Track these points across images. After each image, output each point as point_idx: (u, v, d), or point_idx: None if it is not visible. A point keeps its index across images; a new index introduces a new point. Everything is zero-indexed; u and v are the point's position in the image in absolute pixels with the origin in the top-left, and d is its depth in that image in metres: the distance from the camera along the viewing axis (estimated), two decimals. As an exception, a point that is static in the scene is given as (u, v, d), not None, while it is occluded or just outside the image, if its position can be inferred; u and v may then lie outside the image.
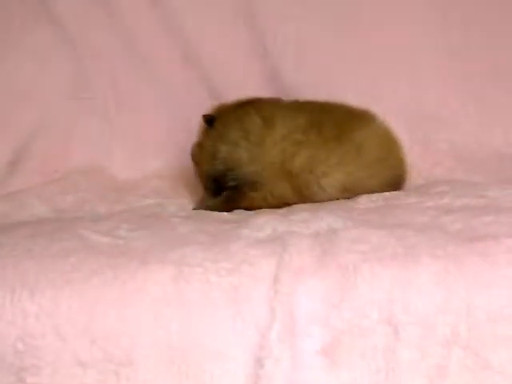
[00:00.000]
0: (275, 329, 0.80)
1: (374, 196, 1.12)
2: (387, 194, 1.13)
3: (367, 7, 1.40)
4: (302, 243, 0.88)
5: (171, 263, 0.84)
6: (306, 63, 1.40)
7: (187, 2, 1.38)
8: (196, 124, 1.23)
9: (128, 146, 1.38)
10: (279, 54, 1.40)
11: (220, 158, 1.18)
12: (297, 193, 1.14)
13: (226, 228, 0.97)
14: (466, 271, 0.82)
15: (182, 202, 1.22)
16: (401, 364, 0.79)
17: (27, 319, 0.79)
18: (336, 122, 1.17)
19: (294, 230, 0.94)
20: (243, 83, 1.37)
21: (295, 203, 1.13)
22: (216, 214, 1.10)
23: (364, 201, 1.10)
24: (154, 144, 1.38)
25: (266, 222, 0.98)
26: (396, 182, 1.19)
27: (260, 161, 1.15)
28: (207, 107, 1.24)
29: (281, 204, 1.13)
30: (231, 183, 1.17)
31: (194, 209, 1.17)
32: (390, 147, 1.21)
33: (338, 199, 1.13)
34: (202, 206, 1.17)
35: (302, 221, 0.98)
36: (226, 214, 1.10)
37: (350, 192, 1.14)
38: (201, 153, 1.21)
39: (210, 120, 1.19)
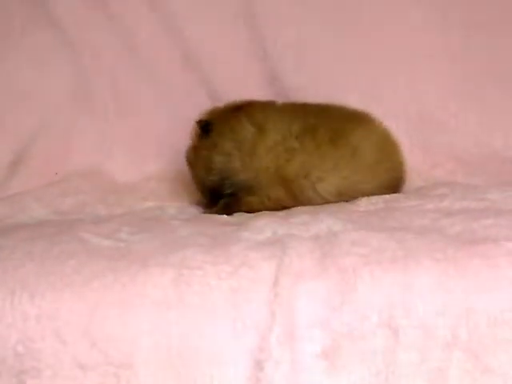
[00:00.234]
0: (275, 331, 0.80)
1: (374, 198, 1.12)
2: (387, 196, 1.13)
3: (367, 8, 1.40)
4: (302, 246, 0.88)
5: (171, 266, 0.84)
6: (305, 64, 1.40)
7: (187, 4, 1.38)
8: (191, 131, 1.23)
9: (128, 148, 1.37)
10: (279, 55, 1.40)
11: (215, 168, 1.18)
12: (292, 198, 1.14)
13: (226, 230, 0.97)
14: (466, 274, 0.82)
15: (182, 204, 1.22)
16: (401, 367, 0.79)
17: (27, 322, 0.79)
18: (331, 126, 1.16)
19: (294, 232, 0.94)
20: (243, 85, 1.37)
21: (293, 206, 1.13)
22: (216, 216, 1.10)
23: (364, 203, 1.10)
24: (153, 146, 1.38)
25: (265, 225, 0.98)
26: (394, 185, 1.19)
27: (254, 168, 1.15)
28: (207, 109, 1.24)
29: (279, 207, 1.13)
30: (228, 191, 1.17)
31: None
32: (387, 150, 1.20)
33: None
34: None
35: (301, 223, 0.98)
36: (225, 216, 1.10)
37: (345, 196, 1.14)
38: (196, 157, 1.21)
39: (204, 126, 1.19)
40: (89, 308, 0.80)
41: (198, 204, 1.23)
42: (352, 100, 1.25)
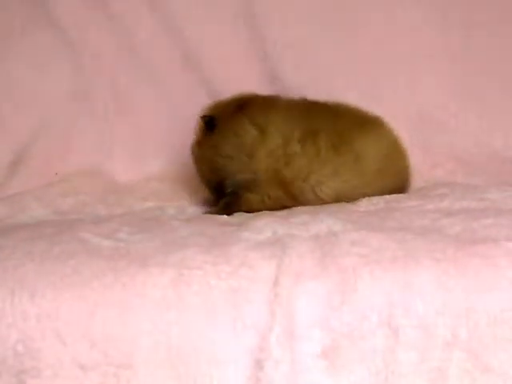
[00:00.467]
0: (275, 331, 0.80)
1: (375, 199, 1.12)
2: (387, 196, 1.13)
3: (367, 8, 1.40)
4: (302, 246, 0.88)
5: (171, 266, 0.84)
6: (305, 64, 1.40)
7: (187, 4, 1.38)
8: (196, 126, 1.23)
9: (128, 148, 1.38)
10: (279, 55, 1.40)
11: (217, 169, 1.18)
12: (292, 198, 1.14)
13: (226, 231, 0.97)
14: (465, 274, 0.82)
15: (182, 204, 1.22)
16: (401, 367, 0.79)
17: (27, 322, 0.79)
18: (335, 130, 1.15)
19: (294, 232, 0.94)
20: (243, 85, 1.36)
21: (293, 206, 1.13)
22: (216, 216, 1.10)
23: (364, 203, 1.10)
24: (153, 146, 1.38)
25: (265, 225, 0.97)
26: (396, 192, 1.17)
27: (254, 169, 1.15)
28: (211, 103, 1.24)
29: (279, 206, 1.13)
30: (228, 190, 1.17)
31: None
32: (392, 157, 1.19)
33: None
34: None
35: (301, 223, 0.98)
36: (225, 216, 1.10)
37: (345, 200, 1.13)
38: (200, 153, 1.21)
39: (209, 121, 1.19)
40: (89, 308, 0.80)
41: (204, 203, 1.23)
42: (352, 100, 1.25)
